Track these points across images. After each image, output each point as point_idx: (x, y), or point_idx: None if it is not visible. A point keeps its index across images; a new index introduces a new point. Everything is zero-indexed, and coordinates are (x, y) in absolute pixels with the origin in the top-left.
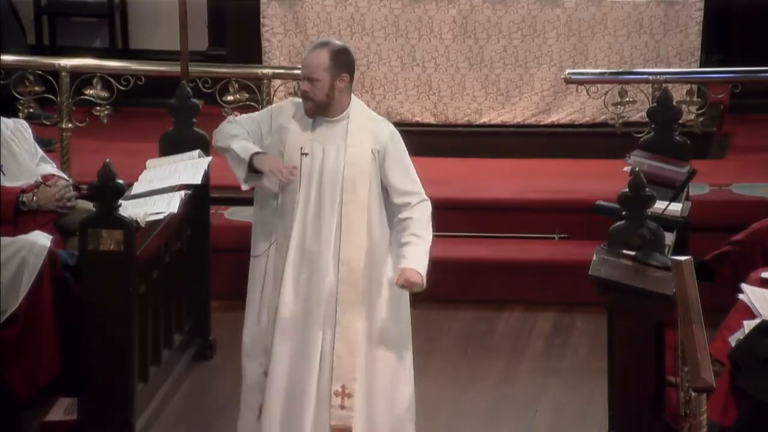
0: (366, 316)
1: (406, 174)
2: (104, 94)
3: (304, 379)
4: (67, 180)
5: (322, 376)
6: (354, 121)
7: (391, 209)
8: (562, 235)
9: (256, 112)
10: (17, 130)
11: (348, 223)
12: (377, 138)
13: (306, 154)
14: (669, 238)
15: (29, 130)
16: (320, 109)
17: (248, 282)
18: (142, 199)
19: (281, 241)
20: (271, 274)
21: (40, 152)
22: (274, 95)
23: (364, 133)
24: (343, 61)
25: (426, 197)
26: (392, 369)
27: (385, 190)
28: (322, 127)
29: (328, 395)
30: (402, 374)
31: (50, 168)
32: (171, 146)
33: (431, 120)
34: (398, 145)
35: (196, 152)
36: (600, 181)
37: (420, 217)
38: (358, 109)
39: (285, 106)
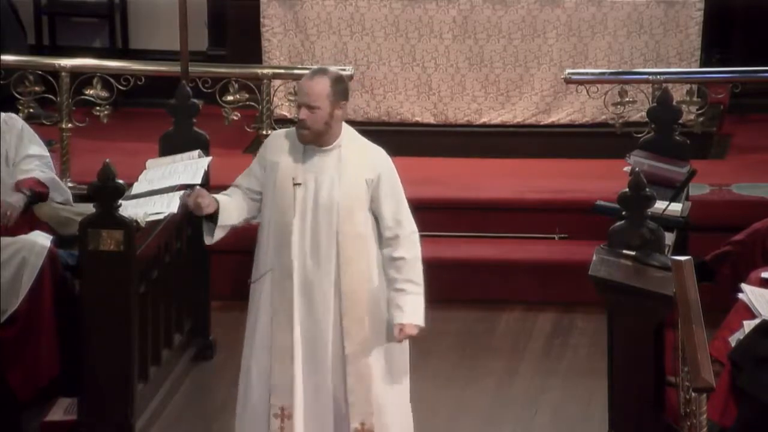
0: (371, 347)
1: (398, 204)
2: (104, 94)
3: (324, 422)
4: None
5: (338, 416)
6: (346, 150)
7: (379, 238)
8: (562, 235)
9: (252, 162)
10: (4, 133)
11: (347, 255)
12: (372, 167)
13: (299, 184)
14: (669, 238)
15: (17, 127)
16: (315, 138)
17: (248, 311)
18: (142, 199)
19: (280, 275)
20: (271, 310)
21: (25, 150)
22: (274, 95)
23: (358, 162)
24: (342, 89)
25: (415, 229)
26: (399, 398)
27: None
28: (313, 156)
29: None
30: (405, 403)
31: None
32: (171, 146)
33: (431, 120)
34: (392, 174)
35: (196, 152)
36: (600, 181)
37: (413, 257)
38: (349, 137)
39: (272, 140)
